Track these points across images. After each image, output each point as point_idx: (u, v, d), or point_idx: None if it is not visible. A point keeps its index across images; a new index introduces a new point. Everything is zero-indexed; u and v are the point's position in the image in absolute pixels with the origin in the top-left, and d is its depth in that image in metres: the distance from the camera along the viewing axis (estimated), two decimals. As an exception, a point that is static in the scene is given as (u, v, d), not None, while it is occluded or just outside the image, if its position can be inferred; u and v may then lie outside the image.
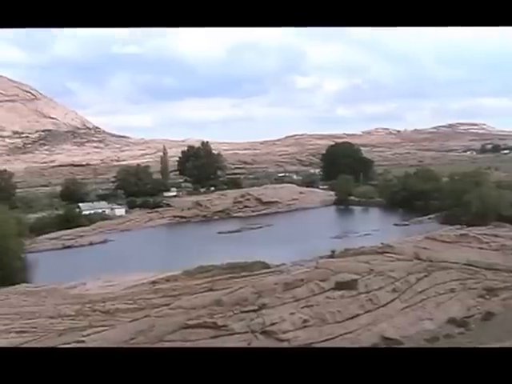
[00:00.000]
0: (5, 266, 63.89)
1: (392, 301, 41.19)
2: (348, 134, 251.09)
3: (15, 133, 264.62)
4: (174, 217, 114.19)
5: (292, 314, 38.63)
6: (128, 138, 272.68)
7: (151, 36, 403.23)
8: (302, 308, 39.62)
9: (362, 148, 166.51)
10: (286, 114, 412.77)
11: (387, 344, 35.85)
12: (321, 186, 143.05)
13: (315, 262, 52.00)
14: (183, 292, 48.70)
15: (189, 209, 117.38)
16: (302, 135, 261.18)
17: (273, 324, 37.50)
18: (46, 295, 55.10)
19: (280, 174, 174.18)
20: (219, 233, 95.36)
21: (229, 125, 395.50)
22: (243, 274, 52.59)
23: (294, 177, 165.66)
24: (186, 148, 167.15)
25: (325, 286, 41.82)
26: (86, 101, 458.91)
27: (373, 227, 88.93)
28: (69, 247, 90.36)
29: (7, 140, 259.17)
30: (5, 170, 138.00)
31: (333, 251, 59.65)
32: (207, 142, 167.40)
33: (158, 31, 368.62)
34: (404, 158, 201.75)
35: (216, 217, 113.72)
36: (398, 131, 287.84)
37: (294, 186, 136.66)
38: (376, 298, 40.91)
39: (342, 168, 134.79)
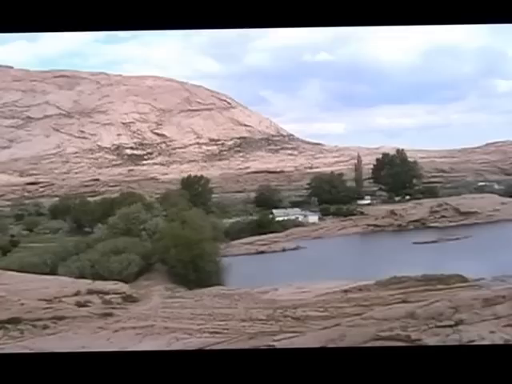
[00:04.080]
0: (200, 268, 65.71)
1: None
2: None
3: (212, 140, 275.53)
4: (368, 225, 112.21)
5: (492, 332, 35.70)
6: (321, 145, 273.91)
7: (343, 43, 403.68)
8: (504, 327, 36.55)
9: None
10: (485, 119, 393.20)
11: None
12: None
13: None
14: (375, 302, 47.13)
15: (383, 217, 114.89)
16: (504, 142, 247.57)
17: (470, 341, 34.84)
18: (239, 298, 55.68)
19: (480, 183, 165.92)
20: (414, 243, 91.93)
21: (424, 132, 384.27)
22: (439, 286, 50.16)
23: (496, 186, 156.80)
24: (380, 155, 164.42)
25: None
26: (279, 109, 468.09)
27: None
28: (262, 252, 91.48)
29: (204, 147, 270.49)
30: (202, 176, 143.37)
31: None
32: (402, 149, 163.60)
33: (351, 38, 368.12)
34: None
35: (411, 226, 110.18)
36: None
37: (495, 195, 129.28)
38: None
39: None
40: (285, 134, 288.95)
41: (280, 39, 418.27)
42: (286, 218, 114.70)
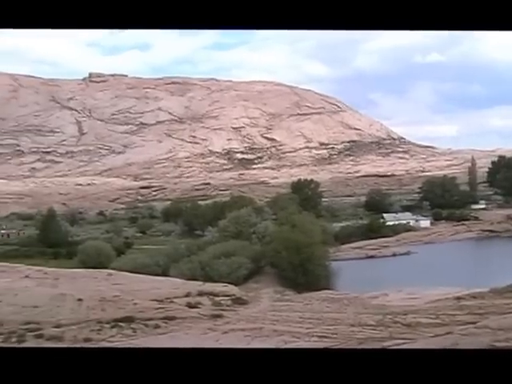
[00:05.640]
0: (309, 272, 65.47)
1: None
2: None
3: (322, 144, 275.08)
4: (483, 231, 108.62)
5: None
6: (434, 148, 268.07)
7: (455, 43, 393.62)
8: None
9: None
10: None
11: None
12: None
13: None
14: (490, 311, 45.30)
15: (499, 222, 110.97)
16: None
17: None
18: (348, 303, 55.09)
19: None
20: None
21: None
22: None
23: None
24: (496, 158, 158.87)
25: None
26: (389, 111, 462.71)
27: None
28: (372, 257, 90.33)
29: (314, 151, 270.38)
30: (311, 180, 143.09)
31: None
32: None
33: (463, 38, 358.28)
34: None
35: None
36: None
37: None
38: None
39: None
40: (395, 137, 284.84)
41: (389, 41, 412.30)
42: (396, 222, 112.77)
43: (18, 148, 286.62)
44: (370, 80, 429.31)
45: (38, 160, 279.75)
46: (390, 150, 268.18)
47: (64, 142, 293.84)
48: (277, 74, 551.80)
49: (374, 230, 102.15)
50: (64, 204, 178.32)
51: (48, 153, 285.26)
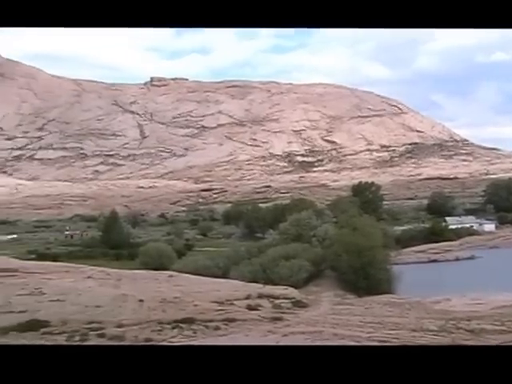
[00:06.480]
0: (370, 276, 64.72)
1: None
2: None
3: (382, 146, 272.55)
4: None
5: None
6: (498, 150, 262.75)
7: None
8: None
9: None
10: None
11: None
12: None
13: None
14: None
15: None
16: None
17: None
18: (410, 308, 54.19)
19: None
20: None
21: None
22: None
23: None
24: None
25: None
26: (451, 113, 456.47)
27: None
28: (434, 261, 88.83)
29: (375, 154, 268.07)
30: (372, 183, 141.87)
31: None
32: None
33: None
34: None
35: None
36: None
37: None
38: None
39: None
40: (458, 139, 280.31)
41: (450, 40, 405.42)
42: (459, 226, 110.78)
43: (81, 151, 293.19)
44: (432, 81, 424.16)
45: (101, 163, 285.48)
46: (452, 153, 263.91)
47: (126, 146, 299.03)
48: (336, 77, 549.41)
49: (437, 234, 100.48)
50: (126, 206, 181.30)
51: (111, 156, 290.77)
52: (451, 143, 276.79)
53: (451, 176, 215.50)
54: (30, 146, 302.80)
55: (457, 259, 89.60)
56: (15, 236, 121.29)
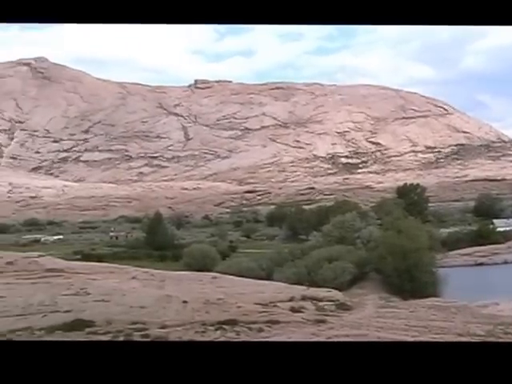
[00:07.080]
0: (415, 279, 63.90)
1: None
2: None
3: (428, 148, 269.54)
4: None
5: None
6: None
7: None
8: None
9: None
10: None
11: None
12: None
13: None
14: None
15: None
16: None
17: None
18: (456, 312, 53.26)
19: None
20: None
21: None
22: None
23: None
24: None
25: None
26: (499, 113, 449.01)
27: None
28: (481, 264, 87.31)
29: (420, 155, 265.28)
30: (418, 185, 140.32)
31: None
32: None
33: None
34: None
35: None
36: None
37: None
38: None
39: None
40: (506, 139, 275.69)
41: (497, 39, 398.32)
42: (508, 228, 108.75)
43: (126, 153, 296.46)
44: (478, 81, 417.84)
45: (146, 165, 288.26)
46: (500, 154, 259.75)
47: (170, 147, 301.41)
48: (380, 78, 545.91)
49: (484, 236, 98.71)
50: (170, 208, 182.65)
51: (155, 158, 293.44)
52: (499, 144, 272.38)
53: (499, 177, 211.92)
54: (75, 148, 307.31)
55: (505, 262, 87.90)
56: (61, 237, 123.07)
